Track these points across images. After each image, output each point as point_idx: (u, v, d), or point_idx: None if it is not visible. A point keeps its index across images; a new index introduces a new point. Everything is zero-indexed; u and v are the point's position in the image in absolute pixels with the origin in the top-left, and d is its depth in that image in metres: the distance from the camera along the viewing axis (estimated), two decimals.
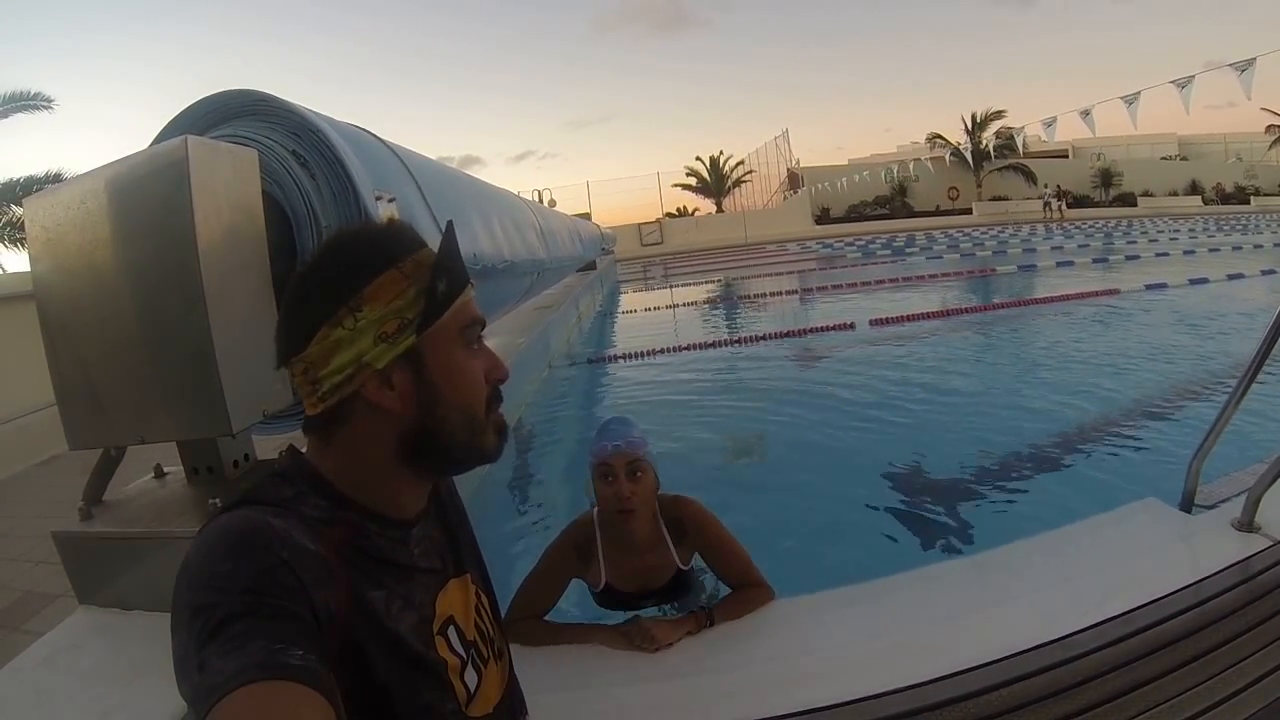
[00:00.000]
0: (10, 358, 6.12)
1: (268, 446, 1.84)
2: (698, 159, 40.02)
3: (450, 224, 0.88)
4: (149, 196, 1.45)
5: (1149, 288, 9.54)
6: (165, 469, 1.84)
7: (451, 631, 0.87)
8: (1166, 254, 14.60)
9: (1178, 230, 21.72)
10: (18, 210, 11.61)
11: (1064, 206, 31.99)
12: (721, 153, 39.84)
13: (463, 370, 0.83)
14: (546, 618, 1.88)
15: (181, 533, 1.49)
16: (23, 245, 11.70)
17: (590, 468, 1.94)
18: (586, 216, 23.51)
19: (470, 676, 0.87)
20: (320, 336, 0.77)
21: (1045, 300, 9.39)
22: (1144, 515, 2.07)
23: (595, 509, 2.00)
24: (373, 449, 0.81)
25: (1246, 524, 1.89)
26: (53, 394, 1.62)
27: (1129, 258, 14.43)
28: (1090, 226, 26.04)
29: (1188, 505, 2.06)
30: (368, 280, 0.78)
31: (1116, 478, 3.50)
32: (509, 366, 0.91)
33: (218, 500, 1.50)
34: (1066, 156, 39.23)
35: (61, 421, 1.63)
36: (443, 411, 0.81)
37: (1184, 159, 39.91)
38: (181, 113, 1.86)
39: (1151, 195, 35.46)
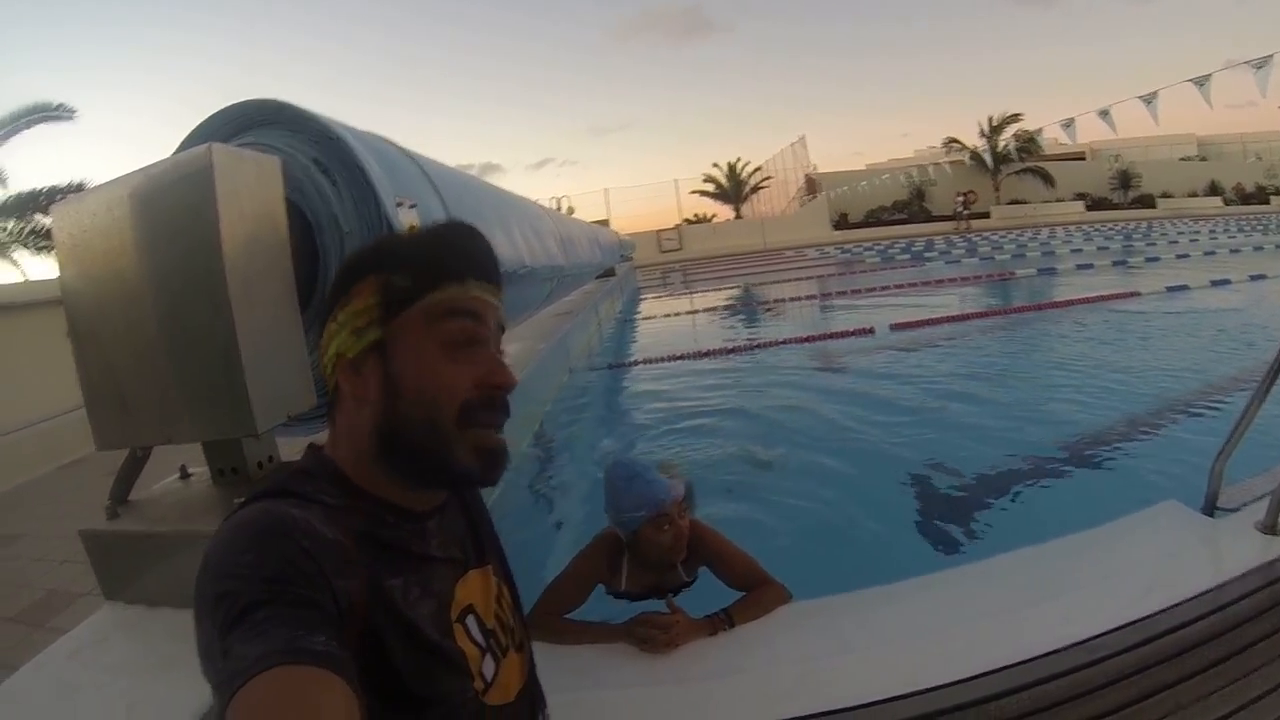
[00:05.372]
0: (35, 363, 6.24)
1: (290, 449, 1.86)
2: (715, 165, 39.95)
3: (452, 226, 0.92)
4: (174, 203, 1.47)
5: (1170, 289, 9.44)
6: (190, 470, 1.86)
7: (470, 620, 0.88)
8: (1187, 255, 14.44)
9: (1198, 231, 21.48)
10: (42, 219, 11.78)
11: (969, 216, 32.01)
12: (739, 159, 39.80)
13: (429, 369, 0.82)
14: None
15: (207, 531, 1.48)
16: (46, 252, 11.84)
17: (635, 520, 1.97)
18: (605, 223, 23.58)
19: (488, 665, 0.88)
20: (326, 332, 0.88)
21: (1065, 303, 9.30)
22: (1166, 518, 2.05)
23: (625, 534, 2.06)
24: (359, 439, 0.84)
25: (1270, 527, 1.87)
26: (75, 398, 1.65)
27: (1149, 260, 14.29)
28: (1110, 229, 25.80)
29: (1210, 508, 2.04)
30: (354, 281, 0.86)
31: (1137, 481, 3.47)
32: (523, 374, 0.90)
33: (243, 500, 1.52)
34: (1084, 159, 38.87)
35: (89, 423, 1.65)
36: (404, 409, 0.82)
37: (1203, 159, 39.43)
38: (204, 121, 1.89)
39: (1170, 196, 35.03)
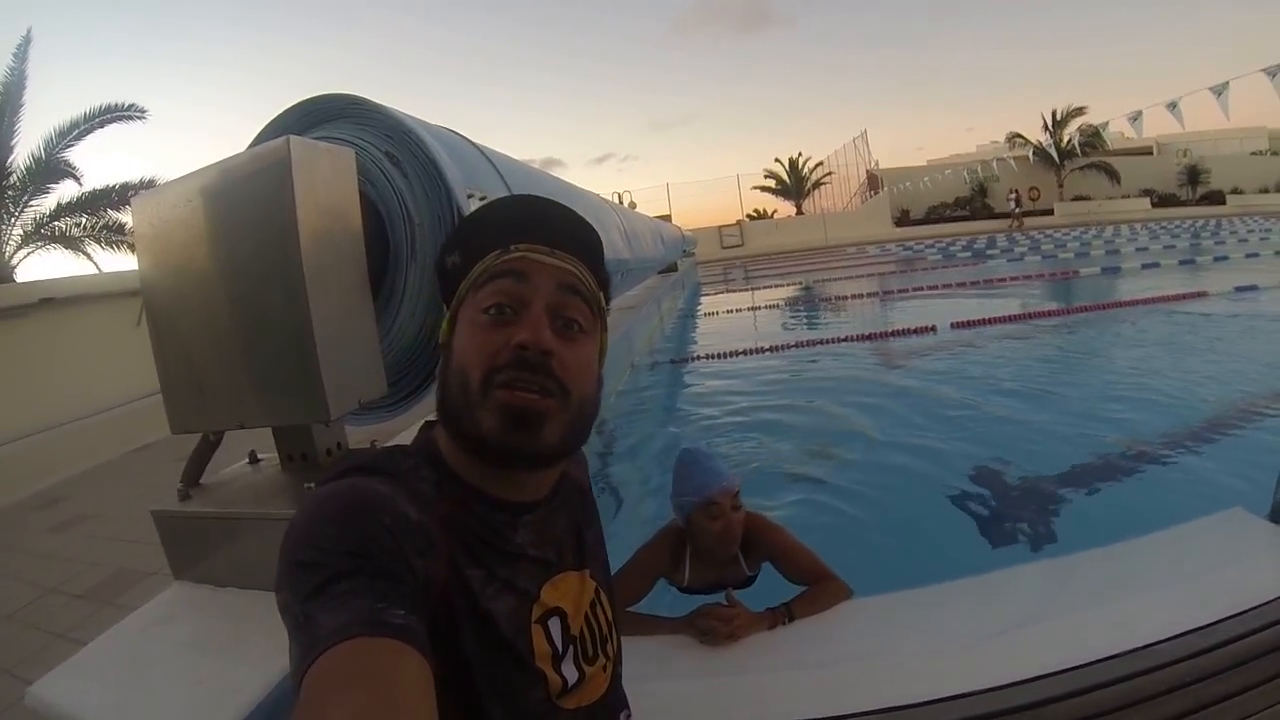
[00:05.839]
0: (107, 352, 6.50)
1: (357, 438, 1.92)
2: (777, 161, 39.75)
3: (505, 198, 0.93)
4: (253, 194, 1.51)
5: (1239, 290, 9.07)
6: (260, 455, 1.93)
7: (554, 623, 0.85)
8: (1257, 255, 13.82)
9: (1269, 229, 20.52)
10: (114, 215, 12.18)
11: (1021, 213, 31.41)
12: (800, 154, 39.49)
13: (471, 336, 0.80)
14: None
15: (275, 515, 1.55)
16: (116, 247, 12.22)
17: (687, 505, 2.03)
18: (667, 218, 23.51)
19: (569, 670, 0.85)
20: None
21: (1130, 303, 8.99)
22: (1230, 525, 1.98)
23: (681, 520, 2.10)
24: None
25: None
26: (147, 385, 1.72)
27: (1217, 258, 13.75)
28: (1176, 226, 24.93)
29: (1277, 516, 1.98)
30: None
31: (1202, 486, 3.36)
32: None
33: (312, 485, 1.57)
34: (1151, 153, 37.59)
35: (165, 407, 1.72)
36: (449, 377, 0.81)
37: (1275, 153, 37.62)
38: (279, 115, 1.94)
39: (1241, 192, 33.49)
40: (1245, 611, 1.58)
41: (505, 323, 0.80)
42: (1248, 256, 13.63)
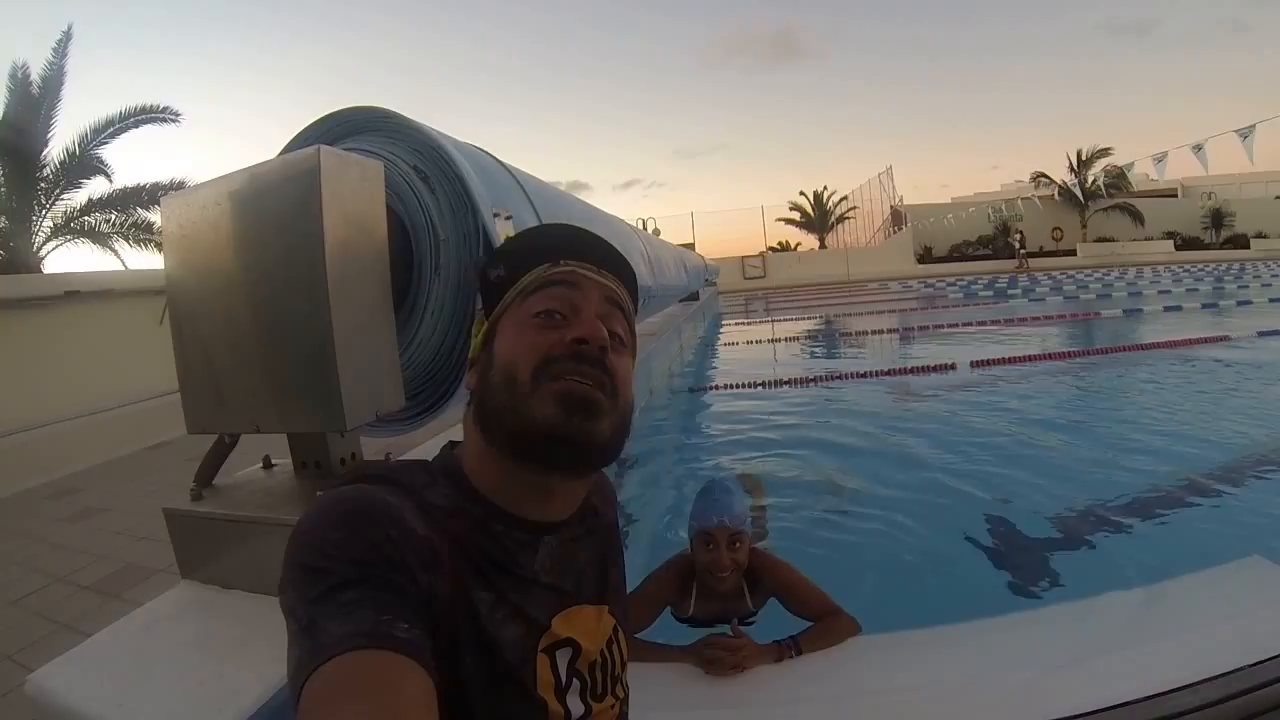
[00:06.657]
0: (130, 348, 6.57)
1: (372, 449, 1.92)
2: (801, 194, 39.78)
3: (553, 223, 0.96)
4: (281, 201, 1.53)
5: (1262, 334, 8.99)
6: (274, 460, 1.93)
7: (563, 653, 0.82)
8: None
9: None
10: (142, 213, 12.33)
11: (1028, 258, 31.40)
12: (825, 188, 39.48)
13: (518, 338, 0.81)
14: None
15: (286, 520, 1.55)
16: (144, 245, 12.35)
17: (692, 529, 2.07)
18: (690, 247, 23.57)
19: (574, 703, 0.82)
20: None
21: (1151, 346, 8.91)
22: (1248, 573, 1.95)
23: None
24: (469, 430, 0.84)
25: None
26: (166, 383, 1.73)
27: (1240, 303, 13.63)
28: (1200, 270, 24.78)
29: None
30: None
31: (1220, 533, 3.30)
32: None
33: (343, 478, 1.57)
34: (1175, 196, 37.42)
35: (183, 407, 1.73)
36: (492, 377, 0.81)
37: None
38: (310, 125, 1.97)
39: (1265, 237, 33.15)
40: (1262, 662, 1.55)
41: (556, 326, 0.81)
42: (1271, 301, 13.51)
